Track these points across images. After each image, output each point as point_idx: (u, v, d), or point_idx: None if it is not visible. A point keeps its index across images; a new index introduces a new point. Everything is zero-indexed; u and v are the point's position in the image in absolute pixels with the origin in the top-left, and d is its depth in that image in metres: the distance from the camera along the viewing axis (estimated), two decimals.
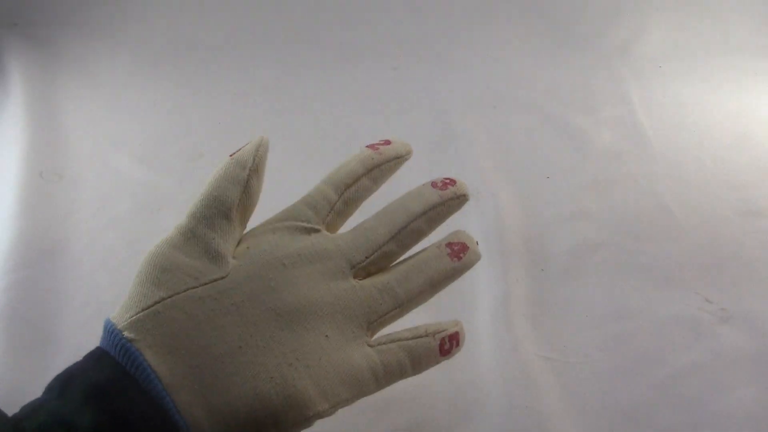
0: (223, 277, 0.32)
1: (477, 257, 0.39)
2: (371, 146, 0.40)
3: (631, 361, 0.51)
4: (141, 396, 0.28)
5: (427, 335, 0.36)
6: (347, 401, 0.33)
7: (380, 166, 0.39)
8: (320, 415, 0.32)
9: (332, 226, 0.38)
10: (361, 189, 0.38)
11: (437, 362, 0.37)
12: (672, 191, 0.67)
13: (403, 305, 0.36)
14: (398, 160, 0.40)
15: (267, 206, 0.60)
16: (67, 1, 0.82)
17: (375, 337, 0.35)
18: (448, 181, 0.39)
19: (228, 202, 0.34)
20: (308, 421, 0.31)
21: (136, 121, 0.72)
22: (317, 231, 0.36)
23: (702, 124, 0.76)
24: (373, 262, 0.36)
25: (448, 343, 0.36)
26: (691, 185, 0.68)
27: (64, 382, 0.29)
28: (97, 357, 0.30)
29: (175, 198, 0.61)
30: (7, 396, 0.44)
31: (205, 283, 0.32)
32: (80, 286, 0.53)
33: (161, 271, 0.31)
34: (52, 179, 0.60)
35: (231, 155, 0.36)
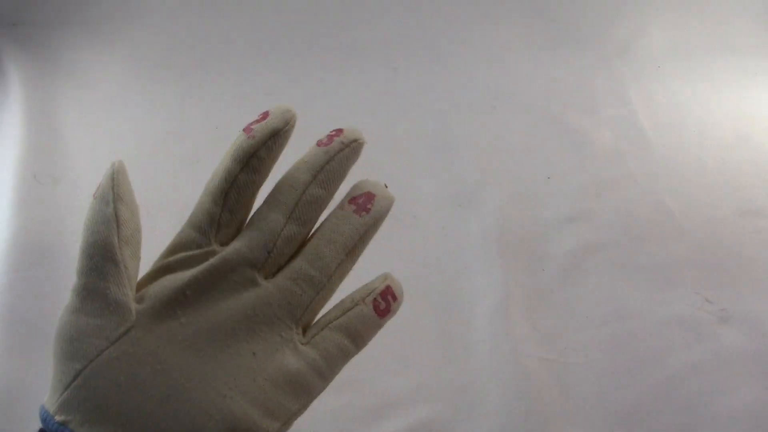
0: (131, 328, 0.30)
1: (388, 201, 0.34)
2: (246, 130, 0.33)
3: (630, 361, 0.51)
4: None
5: (356, 304, 0.32)
6: (300, 410, 0.31)
7: (256, 153, 0.33)
8: None
9: (228, 236, 0.33)
10: (242, 189, 0.33)
11: (380, 326, 0.33)
12: (672, 191, 0.67)
13: (324, 286, 0.32)
14: (277, 136, 0.34)
15: None
16: (66, 2, 0.82)
17: (311, 325, 0.33)
18: (333, 133, 0.35)
19: (107, 245, 0.31)
20: None
21: (133, 123, 0.72)
22: (212, 252, 0.32)
23: (702, 124, 0.76)
24: (278, 254, 0.32)
25: (383, 302, 0.33)
26: (691, 185, 0.68)
27: None
28: None
29: (172, 202, 0.61)
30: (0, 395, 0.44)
31: (115, 340, 0.30)
32: None
33: (69, 343, 0.30)
34: (47, 182, 0.60)
35: (93, 195, 0.33)
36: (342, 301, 0.33)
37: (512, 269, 0.56)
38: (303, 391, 0.31)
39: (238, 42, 0.83)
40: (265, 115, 0.34)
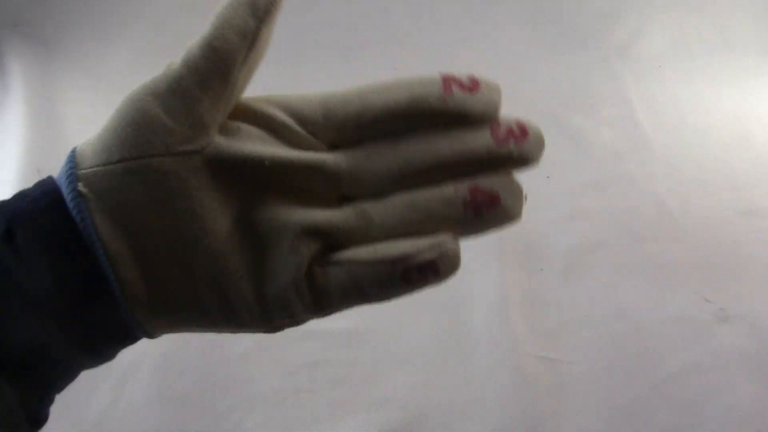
0: (197, 151, 0.27)
1: (509, 218, 0.28)
2: (446, 81, 0.29)
3: (629, 360, 0.51)
4: (89, 264, 0.26)
5: (383, 262, 0.27)
6: (284, 323, 0.29)
7: (433, 115, 0.28)
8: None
9: (341, 141, 0.29)
10: (392, 128, 0.29)
11: (403, 293, 0.28)
12: (672, 191, 0.67)
13: (374, 237, 0.28)
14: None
15: None
16: (67, 1, 0.82)
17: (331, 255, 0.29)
18: (517, 130, 0.28)
19: (229, 60, 0.28)
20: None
21: None
22: (319, 146, 0.29)
23: (702, 124, 0.76)
24: (366, 190, 0.29)
25: (417, 274, 0.27)
26: (691, 185, 0.68)
27: (11, 222, 0.27)
28: (48, 203, 0.27)
29: None
30: None
31: (175, 153, 0.27)
32: None
33: (132, 125, 0.28)
34: None
35: None
36: (376, 248, 0.28)
37: (511, 268, 0.57)
38: (292, 312, 0.28)
39: None
40: (474, 84, 0.29)
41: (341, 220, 0.28)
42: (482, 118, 0.28)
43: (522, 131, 0.28)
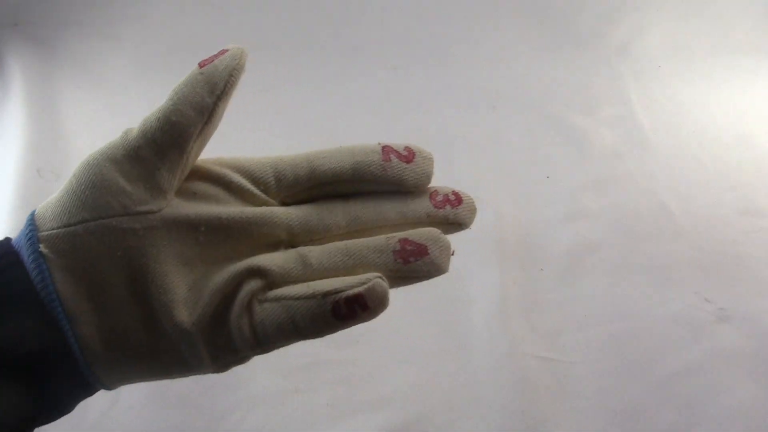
0: (153, 212, 0.29)
1: (435, 270, 0.31)
2: (385, 150, 0.32)
3: (629, 360, 0.51)
4: (46, 320, 0.27)
5: (313, 297, 0.29)
6: (232, 362, 0.31)
7: (373, 182, 0.32)
8: (184, 328, 0.29)
9: (290, 199, 0.32)
10: (337, 191, 0.32)
11: (338, 328, 0.30)
12: (671, 191, 0.67)
13: (309, 278, 0.30)
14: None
15: None
16: (67, 1, 0.82)
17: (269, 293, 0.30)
18: (452, 198, 0.33)
19: (186, 133, 0.30)
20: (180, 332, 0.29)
21: (135, 120, 0.71)
22: (268, 202, 0.31)
23: (702, 124, 0.76)
24: (314, 242, 0.31)
25: (346, 308, 0.29)
26: (691, 185, 0.68)
27: None
28: (9, 262, 0.28)
29: None
30: None
31: (132, 214, 0.29)
32: None
33: (91, 188, 0.29)
34: (50, 177, 0.60)
35: (200, 65, 0.31)
36: (309, 284, 0.30)
37: (511, 268, 0.57)
38: (234, 351, 0.30)
39: (238, 41, 0.83)
40: (410, 154, 0.33)
41: (281, 261, 0.30)
42: (417, 186, 0.32)
43: (457, 199, 0.33)
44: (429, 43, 0.85)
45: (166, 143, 0.30)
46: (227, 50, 0.33)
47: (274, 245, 0.31)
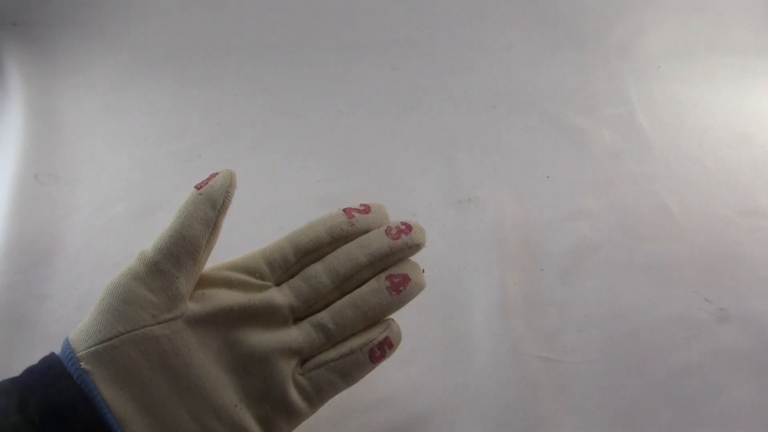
0: (177, 317, 0.34)
1: (419, 288, 0.39)
2: (347, 211, 0.40)
3: (629, 360, 0.51)
4: (97, 426, 0.30)
5: (353, 352, 0.37)
6: (287, 430, 0.36)
7: (347, 237, 0.39)
8: None
9: (284, 278, 0.39)
10: (321, 255, 0.39)
11: (372, 369, 0.38)
12: (672, 191, 0.67)
13: (337, 340, 0.37)
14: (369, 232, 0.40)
15: (268, 205, 0.60)
16: (66, 1, 0.82)
17: (311, 360, 0.37)
18: (403, 227, 0.39)
19: (196, 244, 0.35)
20: None
21: (134, 122, 0.72)
22: (267, 287, 0.37)
23: (702, 124, 0.76)
24: (315, 308, 0.38)
25: (379, 351, 0.38)
26: (691, 185, 0.68)
27: (24, 395, 0.30)
28: (55, 375, 0.31)
29: (173, 200, 0.60)
30: None
31: (161, 322, 0.33)
32: (75, 289, 0.53)
33: (122, 304, 0.33)
34: (48, 181, 0.60)
35: (198, 187, 0.37)
36: (342, 346, 0.37)
37: (511, 268, 0.57)
38: (294, 416, 0.35)
39: (238, 41, 0.83)
40: (365, 209, 0.40)
41: (305, 336, 0.36)
42: (379, 228, 0.40)
43: (407, 227, 0.40)
44: (429, 43, 0.85)
45: (181, 254, 0.34)
46: (218, 173, 0.38)
47: (283, 321, 0.37)
